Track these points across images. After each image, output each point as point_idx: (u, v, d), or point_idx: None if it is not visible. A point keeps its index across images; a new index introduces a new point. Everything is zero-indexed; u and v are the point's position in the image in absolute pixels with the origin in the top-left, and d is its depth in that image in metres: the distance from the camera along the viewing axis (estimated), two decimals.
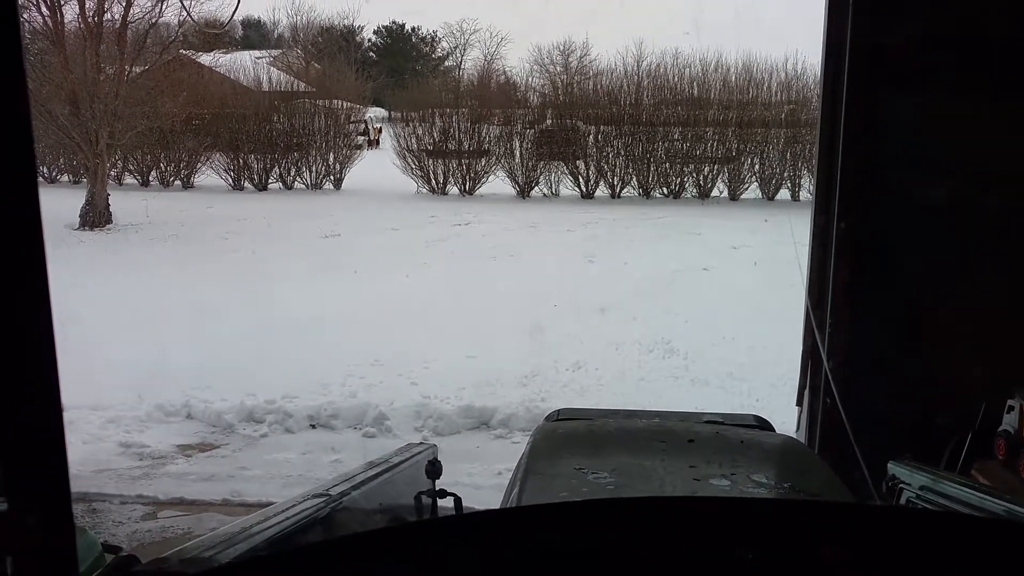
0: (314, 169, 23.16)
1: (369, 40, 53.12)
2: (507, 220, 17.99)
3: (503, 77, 36.19)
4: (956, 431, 3.91)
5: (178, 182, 23.35)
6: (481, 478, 5.80)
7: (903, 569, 1.15)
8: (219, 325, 9.42)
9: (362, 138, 28.17)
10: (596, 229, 17.07)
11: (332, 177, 23.18)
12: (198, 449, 6.89)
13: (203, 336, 9.05)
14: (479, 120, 22.67)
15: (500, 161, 21.90)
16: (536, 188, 21.78)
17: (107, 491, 6.00)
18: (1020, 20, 3.92)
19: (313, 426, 7.28)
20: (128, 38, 17.96)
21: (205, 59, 25.47)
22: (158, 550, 1.41)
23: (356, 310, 10.37)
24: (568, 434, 3.02)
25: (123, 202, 17.95)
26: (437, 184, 22.20)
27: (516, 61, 49.17)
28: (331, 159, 23.18)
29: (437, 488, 2.96)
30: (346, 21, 49.89)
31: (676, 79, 22.71)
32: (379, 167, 22.63)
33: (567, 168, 21.59)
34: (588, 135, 21.88)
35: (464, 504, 3.01)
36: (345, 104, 25.29)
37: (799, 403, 4.69)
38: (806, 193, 19.55)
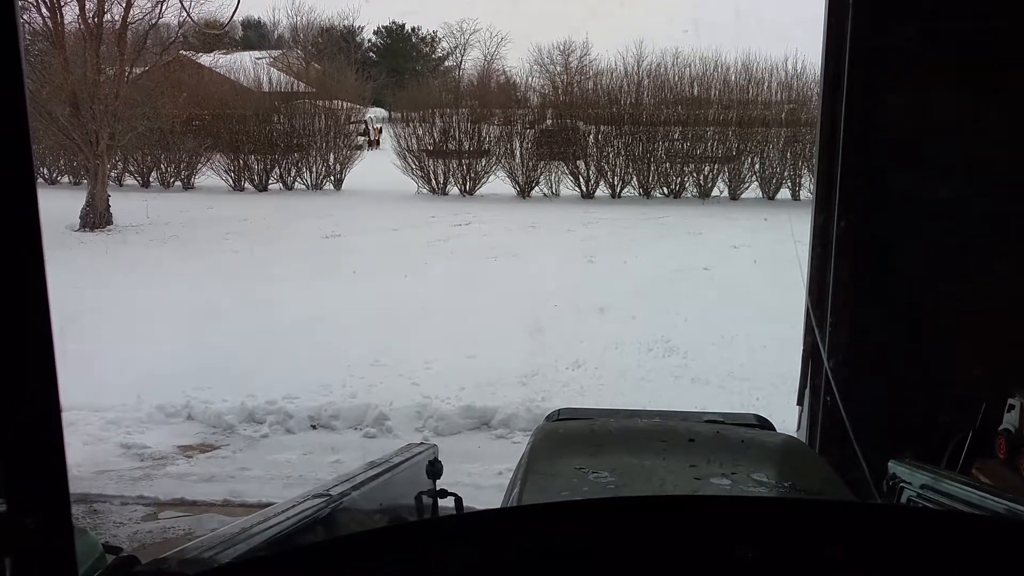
0: (314, 169, 23.16)
1: (369, 40, 53.16)
2: (507, 220, 17.99)
3: (503, 77, 36.22)
4: (957, 430, 3.91)
5: (178, 183, 23.36)
6: (482, 478, 5.80)
7: (904, 568, 1.15)
8: (220, 326, 9.42)
9: (362, 138, 28.18)
10: (596, 229, 17.07)
11: (332, 177, 23.18)
12: (199, 450, 6.89)
13: (204, 337, 9.06)
14: (479, 120, 22.67)
15: (500, 161, 21.90)
16: (536, 188, 21.78)
17: (108, 492, 6.00)
18: (1019, 21, 3.92)
19: (314, 427, 7.28)
20: (128, 39, 17.97)
21: (205, 60, 25.52)
22: (159, 551, 1.41)
23: (357, 310, 10.37)
24: (568, 434, 3.02)
25: (124, 203, 17.96)
26: (437, 184, 22.21)
27: (516, 61, 49.27)
28: (331, 159, 23.19)
29: (438, 488, 2.96)
30: (346, 21, 50.00)
31: (676, 79, 22.73)
32: (379, 167, 22.64)
33: (567, 168, 21.58)
34: (588, 135, 21.88)
35: (465, 504, 3.01)
36: (345, 104, 25.30)
37: (800, 402, 4.69)
38: (806, 192, 19.55)
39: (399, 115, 26.76)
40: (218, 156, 22.89)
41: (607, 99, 22.73)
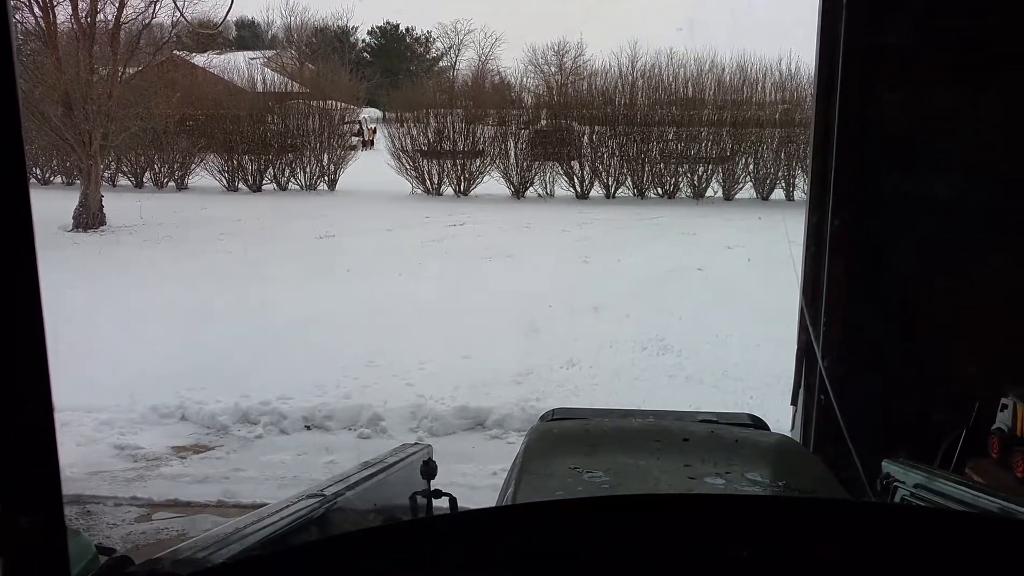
0: (308, 170, 23.12)
1: (363, 41, 53.09)
2: (502, 220, 17.99)
3: (498, 77, 36.19)
4: (950, 429, 3.92)
5: (172, 183, 23.30)
6: (476, 478, 5.80)
7: (897, 566, 1.15)
8: (214, 326, 9.40)
9: (356, 139, 28.17)
10: (591, 229, 17.08)
11: (326, 178, 23.14)
12: (192, 451, 6.87)
13: (198, 337, 9.04)
14: (474, 120, 22.65)
15: (495, 162, 21.89)
16: (531, 188, 21.78)
17: (101, 493, 5.98)
18: (1014, 18, 3.94)
19: (308, 427, 7.27)
20: (121, 39, 17.92)
21: (199, 60, 25.51)
22: (152, 551, 1.41)
23: (351, 311, 10.36)
24: (563, 433, 3.02)
25: (117, 203, 17.90)
26: (432, 185, 22.20)
27: (511, 61, 49.19)
28: (325, 160, 23.15)
29: (432, 489, 2.96)
30: (340, 22, 49.97)
31: (671, 79, 22.76)
32: (373, 168, 22.61)
33: (562, 168, 21.58)
34: (583, 135, 21.89)
35: (459, 505, 3.01)
36: (339, 105, 25.27)
37: (794, 402, 4.70)
38: (800, 193, 19.59)
39: (393, 115, 26.77)
40: (212, 156, 22.83)
41: (601, 99, 22.74)
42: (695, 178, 21.21)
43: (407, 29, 53.24)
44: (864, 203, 4.19)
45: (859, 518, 1.26)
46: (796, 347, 4.61)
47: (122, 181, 23.30)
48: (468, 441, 6.99)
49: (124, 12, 17.72)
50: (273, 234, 16.77)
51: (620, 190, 21.53)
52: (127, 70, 18.21)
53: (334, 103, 25.12)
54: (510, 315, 9.94)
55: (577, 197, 21.43)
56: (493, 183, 21.80)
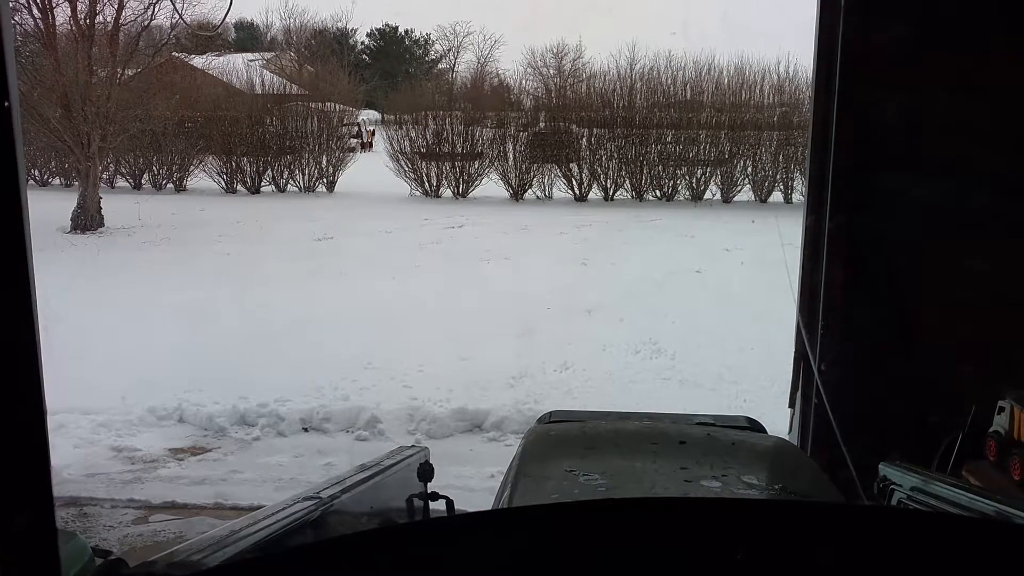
0: (307, 172, 23.12)
1: (362, 43, 53.13)
2: (500, 223, 17.99)
3: (496, 80, 36.26)
4: (947, 432, 3.91)
5: (170, 185, 23.29)
6: (473, 481, 5.80)
7: (893, 570, 1.15)
8: (212, 328, 9.40)
9: (355, 141, 28.18)
10: (589, 232, 17.10)
11: (325, 180, 23.14)
12: (190, 453, 6.87)
13: (195, 339, 9.03)
14: (472, 123, 22.66)
15: (493, 164, 21.90)
16: (529, 191, 21.79)
17: (98, 495, 5.97)
18: (1010, 20, 3.94)
19: (305, 429, 7.26)
20: (120, 40, 17.92)
21: (198, 62, 25.47)
22: (148, 554, 1.41)
23: (348, 313, 10.36)
24: (560, 436, 3.02)
25: (115, 205, 17.89)
26: (430, 187, 22.20)
27: (510, 64, 49.22)
28: (324, 162, 23.15)
29: (429, 491, 2.96)
30: (339, 24, 50.04)
31: (669, 82, 22.79)
32: (372, 170, 22.62)
33: (560, 171, 21.60)
34: (581, 138, 21.91)
35: (456, 507, 3.01)
36: (338, 107, 25.29)
37: (791, 405, 4.69)
38: (799, 195, 19.62)
39: (392, 117, 26.78)
40: (210, 158, 22.82)
41: (600, 102, 22.78)
42: (693, 180, 21.23)
43: (406, 31, 53.32)
44: (862, 205, 4.19)
45: (855, 521, 1.25)
46: (793, 350, 4.61)
47: (120, 183, 23.30)
48: (466, 443, 6.99)
49: (123, 14, 17.76)
50: (271, 236, 16.75)
51: (618, 192, 21.55)
52: (126, 72, 18.20)
53: (333, 105, 25.16)
54: (508, 317, 9.94)
55: (575, 199, 21.45)
56: (492, 185, 21.81)
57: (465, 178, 22.02)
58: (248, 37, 49.47)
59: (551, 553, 1.15)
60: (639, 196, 21.39)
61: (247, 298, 10.82)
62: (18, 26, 16.25)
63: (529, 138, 22.19)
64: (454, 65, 49.63)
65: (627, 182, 21.47)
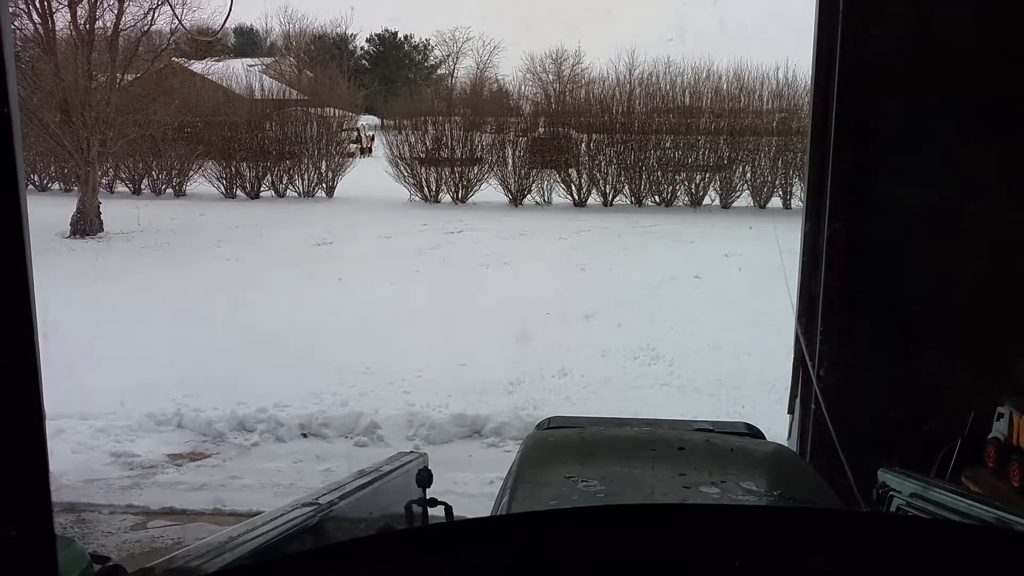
0: (306, 177, 23.13)
1: (362, 48, 53.21)
2: (499, 228, 18.00)
3: (496, 85, 36.31)
4: (946, 438, 3.91)
5: (170, 190, 23.31)
6: (472, 487, 5.79)
7: None
8: (211, 333, 9.39)
9: (354, 146, 28.20)
10: (588, 237, 17.10)
11: (324, 185, 23.16)
12: (189, 458, 6.85)
13: (195, 344, 9.03)
14: (472, 128, 22.70)
15: (492, 169, 21.94)
16: (528, 196, 21.81)
17: (97, 501, 5.96)
18: (1007, 28, 3.95)
19: (304, 435, 7.25)
20: (120, 46, 17.94)
21: (197, 67, 25.57)
22: (147, 560, 1.41)
23: (348, 318, 10.35)
24: (558, 442, 3.02)
25: (114, 210, 17.90)
26: (429, 192, 22.22)
27: (509, 69, 49.26)
28: (323, 167, 23.18)
29: (428, 497, 2.95)
30: (339, 29, 50.11)
31: (668, 87, 22.82)
32: (371, 175, 22.64)
33: (559, 176, 21.63)
34: (580, 143, 21.94)
35: (455, 513, 3.00)
36: (337, 112, 25.31)
37: (790, 411, 4.69)
38: (797, 201, 19.61)
39: (391, 123, 26.82)
40: (210, 163, 22.85)
41: (599, 107, 22.83)
42: (692, 186, 21.26)
43: (406, 37, 53.39)
44: (860, 211, 4.19)
45: (854, 528, 1.25)
46: (792, 356, 4.61)
47: (120, 188, 23.32)
48: (464, 449, 6.98)
49: (123, 19, 17.77)
50: (271, 241, 16.76)
51: (617, 198, 21.57)
52: (125, 77, 18.23)
53: (332, 110, 25.18)
54: (507, 323, 9.93)
55: (574, 205, 21.46)
56: (491, 191, 21.83)
57: (464, 183, 22.05)
58: (247, 42, 49.53)
59: (550, 560, 1.15)
60: (638, 201, 21.41)
61: (246, 303, 10.82)
62: (18, 31, 16.27)
63: (528, 143, 22.22)
64: (453, 70, 49.76)
65: (626, 187, 21.49)
